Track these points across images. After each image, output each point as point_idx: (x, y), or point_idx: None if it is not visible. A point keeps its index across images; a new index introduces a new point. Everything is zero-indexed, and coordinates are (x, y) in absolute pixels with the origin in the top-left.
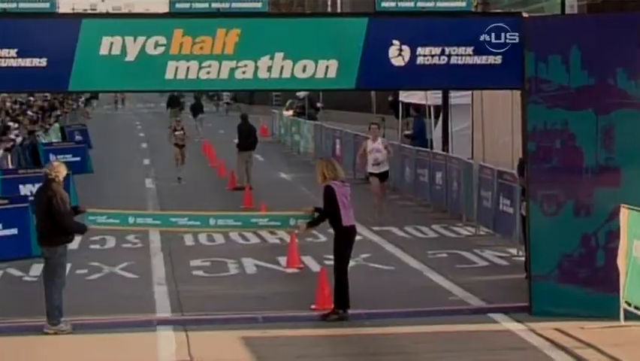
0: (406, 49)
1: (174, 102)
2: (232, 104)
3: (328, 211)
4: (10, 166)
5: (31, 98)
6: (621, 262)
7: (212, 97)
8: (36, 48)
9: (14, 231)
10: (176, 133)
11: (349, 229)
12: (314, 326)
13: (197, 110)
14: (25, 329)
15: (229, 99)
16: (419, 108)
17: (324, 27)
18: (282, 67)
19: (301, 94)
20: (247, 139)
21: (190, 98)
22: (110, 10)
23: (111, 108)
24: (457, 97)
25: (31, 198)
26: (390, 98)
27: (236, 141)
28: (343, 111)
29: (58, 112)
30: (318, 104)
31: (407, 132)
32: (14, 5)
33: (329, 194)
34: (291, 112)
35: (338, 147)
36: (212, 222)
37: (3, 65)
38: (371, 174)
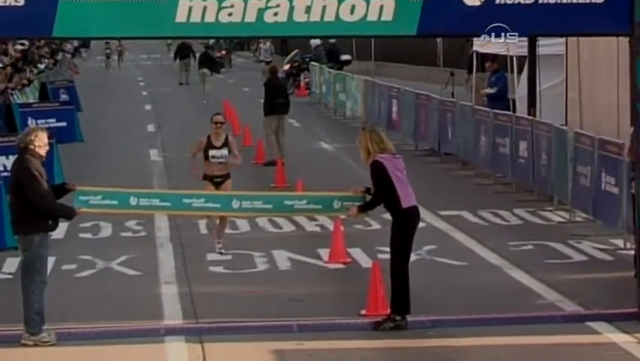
0: None
1: (185, 52)
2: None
3: (381, 192)
4: None
5: (7, 46)
6: None
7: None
8: None
9: None
10: (212, 153)
11: (410, 211)
12: (364, 337)
13: (202, 63)
14: None
15: (269, 54)
16: (495, 59)
17: None
18: (324, 7)
19: (314, 42)
20: (276, 99)
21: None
22: None
23: (104, 60)
24: (547, 45)
25: (5, 174)
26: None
27: (262, 101)
28: (401, 64)
29: (42, 65)
30: (344, 57)
31: (489, 90)
32: None
33: (378, 170)
34: (287, 67)
35: (395, 109)
36: (235, 204)
37: None
38: None
